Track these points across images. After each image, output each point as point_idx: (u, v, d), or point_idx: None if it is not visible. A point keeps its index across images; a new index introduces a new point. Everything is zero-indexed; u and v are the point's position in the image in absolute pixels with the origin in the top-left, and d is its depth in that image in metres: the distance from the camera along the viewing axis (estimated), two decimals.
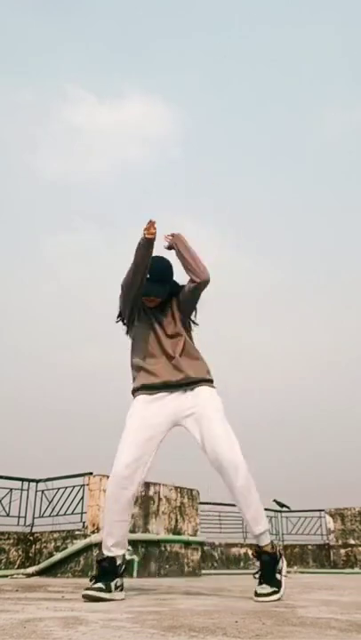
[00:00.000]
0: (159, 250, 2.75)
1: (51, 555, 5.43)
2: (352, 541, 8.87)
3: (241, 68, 19.75)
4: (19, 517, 5.86)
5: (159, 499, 6.01)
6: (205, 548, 7.32)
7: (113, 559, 2.42)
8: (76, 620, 1.58)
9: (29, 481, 6.03)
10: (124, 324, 2.80)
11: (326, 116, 20.09)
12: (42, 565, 5.28)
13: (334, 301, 19.69)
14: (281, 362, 19.16)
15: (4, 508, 5.74)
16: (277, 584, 2.33)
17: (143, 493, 5.81)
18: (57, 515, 5.84)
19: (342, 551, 8.92)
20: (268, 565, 2.39)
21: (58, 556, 5.27)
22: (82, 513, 5.61)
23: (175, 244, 2.73)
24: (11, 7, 17.31)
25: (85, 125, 19.80)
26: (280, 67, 19.86)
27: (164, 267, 2.76)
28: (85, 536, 5.28)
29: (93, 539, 5.11)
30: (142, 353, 2.68)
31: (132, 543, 5.45)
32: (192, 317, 2.81)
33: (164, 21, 19.21)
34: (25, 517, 5.90)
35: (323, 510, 9.32)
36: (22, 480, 5.98)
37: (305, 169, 20.73)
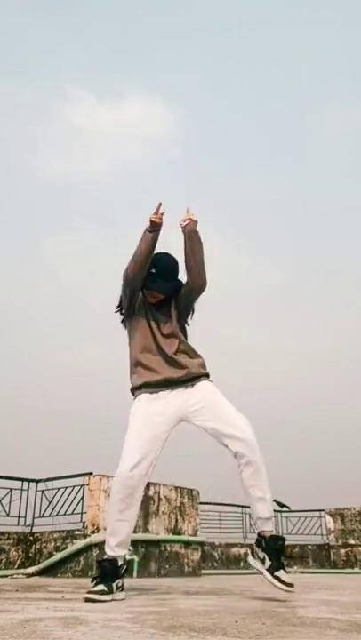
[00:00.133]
0: (162, 247, 2.75)
1: (51, 555, 5.43)
2: (352, 541, 8.87)
3: (241, 67, 19.74)
4: (19, 517, 5.86)
5: (159, 499, 6.01)
6: (205, 547, 7.32)
7: (114, 560, 2.42)
8: (76, 619, 1.58)
9: (29, 481, 6.03)
10: (122, 314, 2.81)
11: (326, 115, 20.08)
12: (42, 565, 5.28)
13: (334, 301, 19.69)
14: (281, 362, 19.16)
15: (3, 508, 5.74)
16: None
17: (143, 493, 5.80)
18: (57, 515, 5.84)
19: (342, 551, 8.91)
20: (280, 549, 2.42)
21: (58, 555, 5.27)
22: (82, 513, 5.60)
23: (194, 232, 2.64)
24: (11, 7, 17.30)
25: (85, 125, 19.78)
26: (280, 67, 19.85)
27: (170, 263, 2.75)
28: (85, 536, 5.27)
29: (93, 539, 5.11)
30: (140, 349, 2.69)
31: (133, 543, 5.43)
32: (188, 319, 2.82)
33: (164, 21, 19.21)
34: (25, 517, 5.90)
35: (323, 510, 9.32)
36: (22, 480, 5.98)
37: (305, 169, 20.74)
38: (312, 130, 20.42)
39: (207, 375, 2.69)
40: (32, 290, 18.47)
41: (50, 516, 5.91)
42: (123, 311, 2.80)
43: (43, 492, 6.06)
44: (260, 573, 2.37)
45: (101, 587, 2.30)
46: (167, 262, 2.73)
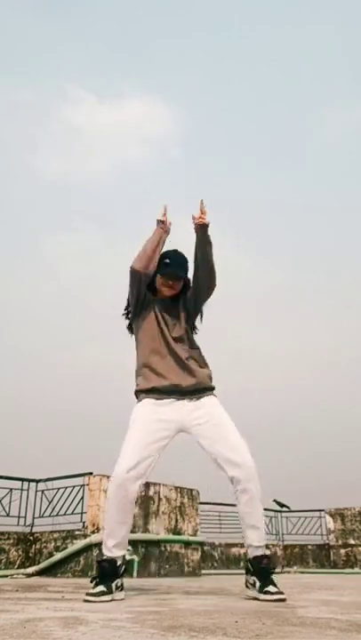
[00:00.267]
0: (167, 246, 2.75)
1: (51, 555, 5.43)
2: (352, 541, 8.87)
3: (241, 67, 19.74)
4: (19, 517, 5.86)
5: (159, 499, 6.01)
6: (205, 548, 7.32)
7: (113, 560, 2.42)
8: (76, 619, 1.58)
9: (29, 481, 6.03)
10: (128, 318, 2.78)
11: (326, 115, 20.08)
12: (42, 565, 5.28)
13: (334, 301, 19.69)
14: (281, 362, 19.15)
15: (3, 508, 5.74)
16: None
17: (143, 493, 5.81)
18: (57, 515, 5.84)
19: (342, 551, 8.91)
20: (266, 567, 2.43)
21: (58, 555, 5.27)
22: (82, 513, 5.60)
23: (207, 226, 2.62)
24: (11, 7, 17.31)
25: (85, 125, 19.79)
26: (280, 67, 19.85)
27: (181, 255, 2.77)
28: (85, 536, 5.28)
29: (93, 539, 5.11)
30: (149, 352, 2.64)
31: (132, 543, 5.45)
32: (196, 322, 2.80)
33: (164, 21, 19.21)
34: (25, 517, 5.90)
35: (323, 510, 9.31)
36: (22, 480, 5.98)
37: (305, 169, 20.74)
38: (312, 130, 20.44)
39: (213, 389, 2.67)
40: (32, 290, 18.48)
41: (50, 515, 5.91)
42: (129, 315, 2.77)
43: (43, 491, 6.06)
44: (256, 598, 2.35)
45: (101, 587, 2.30)
46: (178, 254, 2.76)
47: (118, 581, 2.39)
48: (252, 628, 1.41)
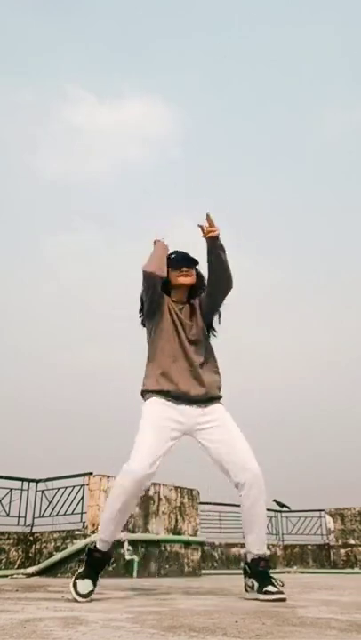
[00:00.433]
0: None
1: (51, 555, 5.43)
2: (352, 541, 8.87)
3: (241, 67, 19.74)
4: (19, 517, 5.86)
5: (159, 499, 6.01)
6: (205, 548, 7.32)
7: (107, 552, 2.41)
8: (76, 619, 1.58)
9: (29, 481, 6.03)
10: (142, 315, 2.77)
11: (326, 115, 20.08)
12: (42, 565, 5.28)
13: (334, 301, 19.68)
14: (281, 362, 19.15)
15: (3, 508, 5.74)
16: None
17: (143, 493, 5.80)
18: (57, 515, 5.84)
19: (342, 551, 8.91)
20: (264, 569, 2.44)
21: (58, 555, 5.27)
22: (82, 513, 5.60)
23: (218, 239, 2.59)
24: (11, 7, 17.30)
25: (85, 125, 19.78)
26: (280, 67, 19.85)
27: (189, 255, 2.80)
28: (85, 536, 5.27)
29: (93, 539, 5.10)
30: (163, 353, 2.62)
31: (132, 543, 5.45)
32: (214, 324, 2.80)
33: (164, 21, 19.21)
34: (25, 517, 5.90)
35: (323, 510, 9.31)
36: (22, 480, 5.97)
37: (305, 169, 20.73)
38: (312, 130, 20.43)
39: (220, 397, 2.66)
40: (32, 290, 18.48)
41: (50, 515, 5.91)
42: (143, 311, 2.75)
43: (43, 491, 6.06)
44: (256, 599, 2.35)
45: (89, 585, 2.27)
46: (179, 251, 2.80)
47: (105, 568, 2.41)
48: (252, 627, 1.41)
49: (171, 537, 5.96)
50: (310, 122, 20.58)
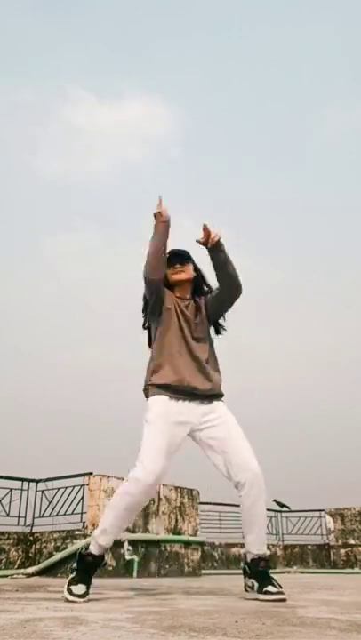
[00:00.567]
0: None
1: (51, 555, 5.43)
2: (352, 541, 8.86)
3: (241, 67, 19.73)
4: (19, 517, 5.85)
5: (159, 499, 6.01)
6: (205, 548, 7.32)
7: (100, 556, 2.39)
8: (76, 619, 1.58)
9: (29, 481, 6.03)
10: (145, 315, 2.75)
11: (326, 115, 20.08)
12: (42, 565, 5.28)
13: (334, 301, 19.68)
14: (281, 362, 19.14)
15: (3, 508, 5.74)
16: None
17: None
18: (57, 515, 5.84)
19: (342, 551, 8.91)
20: (264, 569, 2.43)
21: (58, 555, 5.26)
22: (82, 513, 5.60)
23: (221, 245, 2.57)
24: (11, 7, 17.30)
25: (85, 125, 19.78)
26: (280, 67, 19.84)
27: (181, 249, 2.76)
28: (85, 536, 5.27)
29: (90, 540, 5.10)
30: (168, 349, 2.58)
31: (132, 543, 5.45)
32: (221, 322, 2.79)
33: (164, 21, 19.20)
34: (25, 517, 5.89)
35: (323, 510, 9.31)
36: (22, 480, 5.97)
37: (305, 169, 20.73)
38: (312, 130, 20.43)
39: (223, 395, 2.65)
40: (32, 290, 18.47)
41: (50, 515, 5.91)
42: (146, 312, 2.74)
43: (43, 491, 6.06)
44: (256, 599, 2.34)
45: (83, 588, 2.26)
46: (176, 249, 2.76)
47: (98, 571, 2.39)
48: (252, 627, 1.41)
49: (171, 537, 5.96)
50: (310, 122, 20.59)
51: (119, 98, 20.95)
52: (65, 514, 5.76)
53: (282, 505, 9.57)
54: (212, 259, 2.62)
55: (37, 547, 5.68)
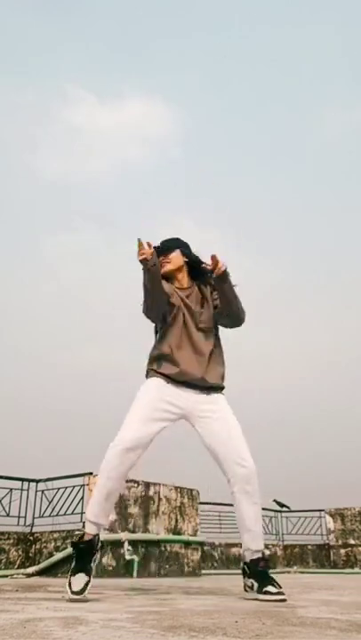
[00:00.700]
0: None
1: (51, 555, 5.43)
2: (352, 541, 8.87)
3: (241, 67, 19.73)
4: (19, 517, 5.86)
5: (159, 499, 6.01)
6: (205, 548, 7.32)
7: (90, 541, 2.38)
8: (76, 620, 1.58)
9: (29, 481, 6.03)
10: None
11: (326, 115, 20.07)
12: (42, 565, 5.28)
13: (334, 301, 19.68)
14: (281, 362, 19.14)
15: (3, 508, 5.74)
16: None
17: (143, 493, 5.81)
18: (57, 515, 5.84)
19: (342, 551, 8.91)
20: (264, 569, 2.43)
21: (58, 555, 5.27)
22: (82, 513, 5.59)
23: (228, 273, 2.50)
24: (11, 7, 17.30)
25: (85, 125, 19.78)
26: (280, 67, 19.84)
27: (164, 240, 2.72)
28: None
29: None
30: (170, 340, 2.58)
31: (132, 543, 5.45)
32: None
33: (164, 21, 19.20)
34: (25, 517, 5.90)
35: (323, 510, 9.31)
36: (22, 480, 5.98)
37: (305, 169, 20.73)
38: (312, 130, 20.43)
39: (224, 388, 2.65)
40: (32, 290, 18.47)
41: (50, 516, 5.91)
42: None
43: (43, 491, 6.06)
44: (256, 599, 2.34)
45: (83, 577, 2.25)
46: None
47: (96, 556, 2.38)
48: (252, 627, 1.41)
49: (171, 537, 5.96)
50: (310, 122, 20.59)
51: (119, 98, 20.97)
52: (65, 514, 5.76)
53: (282, 505, 9.57)
54: (218, 287, 2.59)
55: (37, 547, 5.68)
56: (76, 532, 5.45)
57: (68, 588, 2.24)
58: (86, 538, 2.40)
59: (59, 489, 5.97)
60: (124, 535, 5.32)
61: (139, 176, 20.38)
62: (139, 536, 5.57)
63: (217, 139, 20.84)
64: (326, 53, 19.47)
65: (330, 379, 17.51)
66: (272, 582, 2.34)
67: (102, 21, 18.65)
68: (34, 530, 5.87)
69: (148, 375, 2.61)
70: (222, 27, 18.56)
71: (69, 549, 5.19)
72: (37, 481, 6.08)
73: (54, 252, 19.82)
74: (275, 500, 9.43)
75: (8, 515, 5.75)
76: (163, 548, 5.84)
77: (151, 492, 5.92)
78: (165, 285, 2.64)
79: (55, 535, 5.64)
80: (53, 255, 19.59)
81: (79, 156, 20.18)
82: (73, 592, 2.23)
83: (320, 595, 2.77)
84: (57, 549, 5.45)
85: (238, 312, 2.63)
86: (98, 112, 19.61)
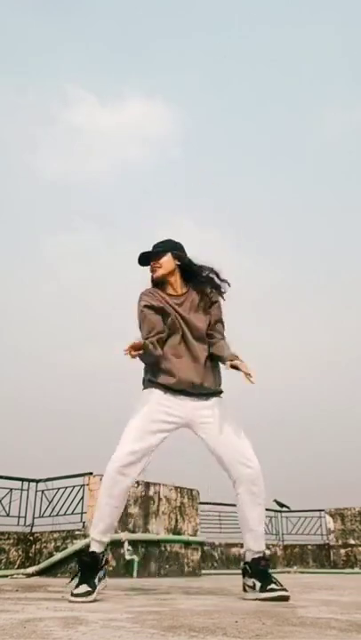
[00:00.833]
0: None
1: (51, 555, 5.43)
2: (352, 541, 8.86)
3: (241, 67, 19.72)
4: (19, 517, 5.85)
5: (159, 499, 6.01)
6: (205, 548, 7.32)
7: (94, 554, 2.39)
8: (76, 619, 1.58)
9: (29, 481, 6.03)
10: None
11: (326, 115, 20.06)
12: (42, 565, 5.28)
13: (334, 301, 19.67)
14: (281, 362, 19.11)
15: (4, 508, 5.74)
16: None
17: (143, 493, 5.81)
18: (57, 515, 5.84)
19: (342, 551, 8.91)
20: (265, 568, 2.43)
21: (58, 555, 5.27)
22: (82, 513, 5.60)
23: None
24: (11, 7, 17.29)
25: (85, 125, 19.77)
26: (280, 67, 19.83)
27: (155, 244, 2.72)
28: (85, 536, 5.27)
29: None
30: (165, 351, 2.55)
31: (132, 543, 5.45)
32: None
33: (164, 21, 19.19)
34: (25, 517, 5.89)
35: (323, 510, 9.31)
36: (22, 480, 5.97)
37: (305, 169, 20.72)
38: (312, 130, 20.42)
39: (222, 392, 2.65)
40: (32, 290, 18.47)
41: (50, 516, 5.91)
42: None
43: (43, 491, 6.06)
44: (257, 599, 2.33)
45: (85, 587, 2.25)
46: (141, 253, 2.70)
47: (101, 573, 2.37)
48: (252, 627, 1.41)
49: (171, 537, 5.96)
50: (310, 122, 20.58)
51: (119, 98, 20.96)
52: (65, 514, 5.76)
53: (282, 505, 9.57)
54: (224, 361, 2.56)
55: (37, 547, 5.68)
56: (76, 532, 5.45)
57: (70, 595, 2.24)
58: (95, 549, 2.40)
59: (59, 489, 5.97)
60: (124, 535, 5.32)
61: (139, 176, 20.39)
62: (139, 536, 5.57)
63: (217, 139, 20.85)
64: (326, 53, 19.48)
65: (330, 379, 17.51)
66: (274, 581, 2.35)
67: (102, 21, 18.66)
68: (34, 530, 5.87)
69: (145, 386, 2.60)
70: (222, 27, 18.57)
71: (69, 549, 5.22)
72: (37, 481, 6.07)
73: (54, 252, 19.82)
74: (275, 500, 9.42)
75: (8, 515, 5.75)
76: (163, 548, 5.84)
77: (151, 492, 5.92)
78: (155, 299, 2.62)
79: (55, 535, 5.64)
80: (53, 255, 19.60)
81: (79, 156, 20.18)
82: (73, 594, 2.23)
83: (320, 595, 2.77)
84: (57, 549, 5.45)
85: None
86: (98, 112, 19.62)
